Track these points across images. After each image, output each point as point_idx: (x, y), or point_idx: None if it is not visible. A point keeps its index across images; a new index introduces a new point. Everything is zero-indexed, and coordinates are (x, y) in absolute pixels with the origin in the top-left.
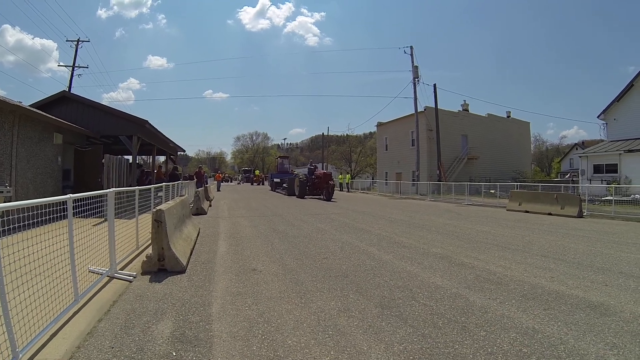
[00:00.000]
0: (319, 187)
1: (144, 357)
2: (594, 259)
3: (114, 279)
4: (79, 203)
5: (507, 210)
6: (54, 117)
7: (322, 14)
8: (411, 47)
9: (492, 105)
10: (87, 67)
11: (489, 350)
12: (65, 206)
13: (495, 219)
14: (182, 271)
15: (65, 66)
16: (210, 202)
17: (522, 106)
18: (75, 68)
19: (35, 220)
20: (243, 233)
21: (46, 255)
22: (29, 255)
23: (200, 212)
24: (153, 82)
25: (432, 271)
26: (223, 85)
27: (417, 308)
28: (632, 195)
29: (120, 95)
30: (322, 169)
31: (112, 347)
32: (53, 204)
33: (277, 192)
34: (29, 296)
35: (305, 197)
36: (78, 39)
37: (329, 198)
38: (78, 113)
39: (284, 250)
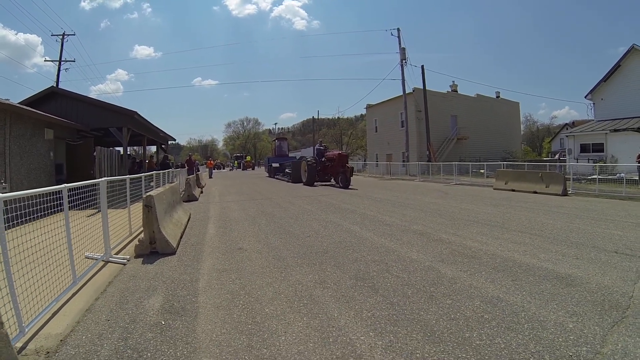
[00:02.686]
0: (331, 172)
1: (137, 327)
2: (570, 234)
3: (109, 263)
4: (73, 196)
5: (494, 189)
6: (44, 113)
7: None
8: (398, 30)
9: (482, 86)
10: (74, 61)
11: (452, 316)
12: (60, 200)
13: (480, 197)
14: (173, 253)
15: (52, 61)
16: (201, 189)
17: (512, 87)
18: (62, 62)
19: (33, 215)
20: (231, 216)
21: (45, 243)
22: (31, 245)
23: (191, 198)
24: (141, 72)
25: (409, 246)
26: (212, 73)
27: (389, 280)
28: (618, 174)
29: (109, 87)
30: (313, 153)
31: (108, 320)
32: (49, 198)
33: (277, 178)
34: (32, 280)
35: (315, 183)
36: (63, 33)
37: (346, 185)
38: (68, 107)
39: (269, 231)
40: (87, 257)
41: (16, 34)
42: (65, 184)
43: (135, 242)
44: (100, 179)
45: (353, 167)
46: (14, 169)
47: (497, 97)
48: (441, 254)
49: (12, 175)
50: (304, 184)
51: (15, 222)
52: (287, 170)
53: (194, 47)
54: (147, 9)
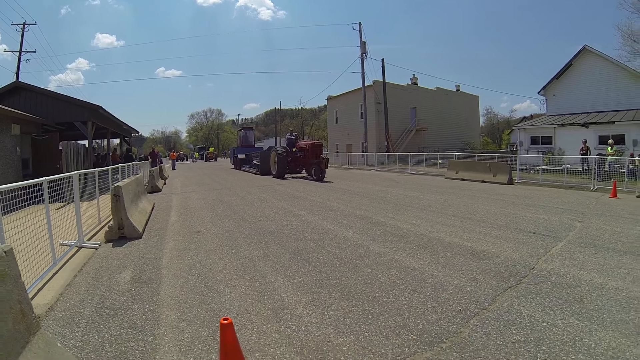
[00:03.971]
0: (303, 163)
1: (111, 294)
2: (499, 218)
3: (82, 248)
4: (37, 191)
5: (446, 178)
6: (10, 109)
7: None
8: (359, 24)
9: (444, 80)
10: (35, 52)
11: (369, 281)
12: (32, 194)
13: (429, 186)
14: (139, 237)
15: (12, 52)
16: (164, 180)
17: (475, 82)
18: (23, 53)
19: (10, 208)
20: (192, 205)
21: (24, 232)
22: (12, 235)
23: (155, 189)
24: (103, 61)
25: (347, 228)
26: (176, 63)
27: (323, 254)
28: (564, 165)
29: (70, 77)
30: (275, 143)
31: (87, 291)
32: (23, 192)
33: (243, 170)
34: (18, 262)
35: (286, 176)
36: (24, 22)
37: (320, 177)
38: (32, 102)
39: (225, 217)
40: (61, 244)
41: None
42: (46, 177)
43: (105, 228)
44: (73, 172)
45: (328, 158)
46: None
47: (457, 90)
48: (375, 234)
49: None
50: (274, 177)
51: None
52: (254, 161)
53: (157, 36)
54: None
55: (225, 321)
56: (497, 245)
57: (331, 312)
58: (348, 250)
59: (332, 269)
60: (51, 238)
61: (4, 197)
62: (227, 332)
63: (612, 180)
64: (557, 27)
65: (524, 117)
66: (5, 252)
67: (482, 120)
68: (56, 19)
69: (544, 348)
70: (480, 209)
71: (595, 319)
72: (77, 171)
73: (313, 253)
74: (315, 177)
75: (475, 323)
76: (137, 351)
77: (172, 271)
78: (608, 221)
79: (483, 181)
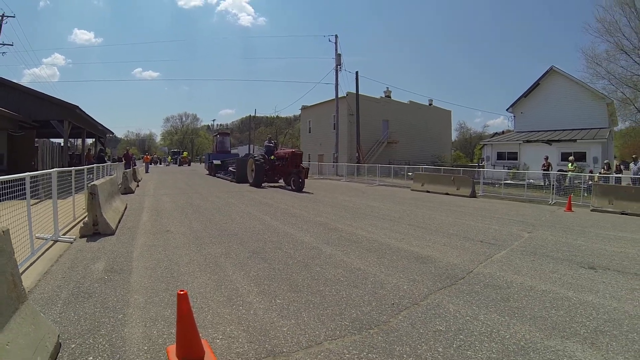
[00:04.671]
0: (282, 172)
1: (86, 280)
2: (452, 227)
3: (58, 242)
4: (17, 186)
5: (412, 190)
6: None
7: None
8: (336, 36)
9: (418, 95)
10: (12, 45)
11: (316, 278)
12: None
13: (393, 197)
14: (112, 233)
15: None
16: (138, 182)
17: (449, 97)
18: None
19: None
20: (163, 207)
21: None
22: None
23: (128, 191)
24: (79, 58)
25: (305, 233)
26: (153, 64)
27: (278, 254)
28: (527, 180)
29: (45, 72)
30: (250, 150)
31: (64, 277)
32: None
33: (218, 177)
34: None
35: (264, 185)
36: (2, 14)
37: (299, 187)
38: (8, 97)
39: (194, 218)
40: (37, 238)
41: None
42: (28, 173)
43: (80, 224)
44: (52, 170)
45: (308, 168)
46: None
47: (430, 104)
48: (330, 238)
49: None
50: (251, 185)
51: None
52: (230, 168)
53: (136, 36)
54: None
55: (182, 292)
56: (443, 252)
57: (278, 301)
58: (302, 252)
59: (285, 266)
60: (30, 231)
61: None
62: (182, 301)
63: (575, 195)
64: (529, 45)
65: (496, 133)
66: (2, 231)
67: (455, 134)
68: (34, 11)
69: (461, 337)
70: (436, 219)
71: (516, 315)
72: (56, 169)
73: (270, 252)
74: (294, 187)
75: (404, 315)
76: (108, 325)
77: (142, 263)
78: (555, 232)
79: (447, 194)
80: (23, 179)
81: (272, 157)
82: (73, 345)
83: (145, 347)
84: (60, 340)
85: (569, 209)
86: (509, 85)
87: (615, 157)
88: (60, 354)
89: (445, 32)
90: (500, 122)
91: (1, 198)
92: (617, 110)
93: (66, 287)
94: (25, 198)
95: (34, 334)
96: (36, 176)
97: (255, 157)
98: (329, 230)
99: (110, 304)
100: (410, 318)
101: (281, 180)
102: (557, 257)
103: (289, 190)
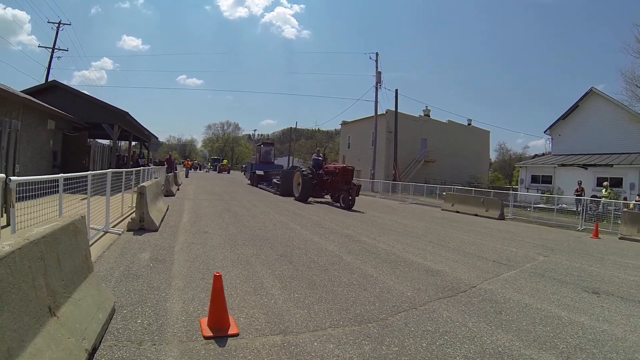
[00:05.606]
0: (330, 188)
1: (134, 266)
2: (469, 247)
3: (108, 233)
4: (68, 181)
5: (442, 209)
6: (49, 106)
7: (302, 6)
8: (377, 54)
9: (456, 115)
10: (67, 50)
11: (333, 280)
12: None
13: (422, 215)
14: (156, 230)
15: (45, 47)
16: (178, 186)
17: (490, 119)
18: (55, 50)
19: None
20: (203, 211)
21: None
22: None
23: (169, 194)
24: (127, 63)
25: (331, 242)
26: (197, 71)
27: (303, 259)
28: (560, 205)
29: (93, 75)
30: (289, 162)
31: (115, 262)
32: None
33: (260, 188)
34: None
35: (310, 200)
36: (59, 22)
37: (349, 205)
38: (66, 101)
39: (230, 223)
40: (91, 228)
41: (4, 8)
42: (110, 169)
43: (128, 219)
44: (107, 170)
45: (360, 185)
46: (22, 154)
47: (469, 124)
48: (352, 249)
49: (20, 158)
50: (296, 199)
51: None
52: (274, 180)
53: (181, 44)
54: (138, 0)
55: (217, 274)
56: (453, 267)
57: (296, 295)
58: (325, 258)
59: (307, 269)
60: (88, 222)
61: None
62: (217, 281)
63: (603, 221)
64: (572, 66)
65: (536, 155)
66: (81, 216)
67: (494, 155)
68: (85, 17)
69: (446, 337)
70: (457, 238)
71: (503, 326)
72: (110, 170)
73: (296, 257)
74: (343, 205)
75: (401, 315)
76: (153, 300)
77: (182, 256)
78: (572, 258)
79: (476, 215)
80: (86, 176)
81: (321, 171)
82: (125, 311)
83: (183, 318)
84: (115, 306)
85: (596, 235)
86: (551, 107)
87: None
88: (114, 317)
89: (487, 52)
90: (542, 144)
91: (65, 191)
92: None
93: (117, 269)
94: (75, 193)
95: (97, 297)
96: (97, 175)
97: (302, 170)
98: (352, 241)
99: (155, 285)
100: (406, 318)
101: (327, 196)
102: (564, 281)
103: (337, 207)
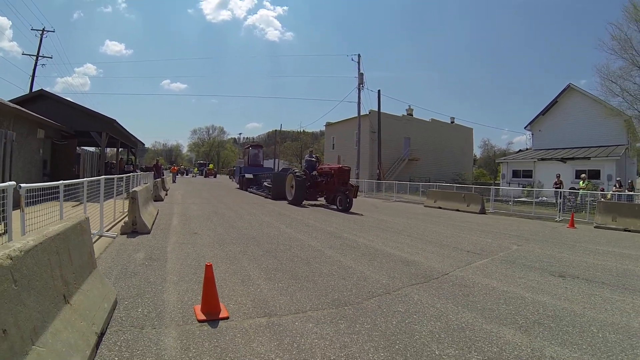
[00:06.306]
0: (326, 190)
1: (130, 265)
2: (446, 239)
3: (102, 237)
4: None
5: (425, 206)
6: (39, 116)
7: (285, 7)
8: (359, 56)
9: (440, 114)
10: (52, 57)
11: (313, 271)
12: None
13: (405, 212)
14: (148, 232)
15: (29, 55)
16: (166, 191)
17: (473, 116)
18: (39, 58)
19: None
20: (191, 214)
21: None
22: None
23: (158, 199)
24: (111, 68)
25: (313, 239)
26: (181, 76)
27: (287, 253)
28: (540, 198)
29: (77, 81)
30: (275, 165)
31: (112, 261)
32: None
33: (250, 192)
34: None
35: (304, 203)
36: (43, 29)
37: (346, 208)
38: (53, 109)
39: (218, 224)
40: None
41: None
42: (103, 176)
43: (121, 223)
44: (100, 177)
45: (358, 186)
46: (14, 162)
47: (452, 122)
48: (334, 244)
49: (12, 168)
50: (289, 203)
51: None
52: (265, 183)
53: (164, 48)
54: (121, 4)
55: (208, 264)
56: (428, 258)
57: (280, 284)
58: (307, 253)
59: (291, 262)
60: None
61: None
62: (208, 270)
63: (582, 212)
64: (552, 63)
65: (520, 150)
66: (85, 218)
67: (479, 152)
68: (68, 23)
69: (414, 316)
70: (436, 232)
71: (468, 306)
72: (103, 176)
73: (280, 252)
74: (340, 207)
75: (375, 300)
76: (151, 293)
77: (175, 255)
78: (545, 246)
79: (458, 210)
80: (82, 183)
81: (314, 172)
82: (126, 303)
83: (179, 306)
84: (117, 298)
85: (572, 225)
86: (534, 103)
87: (638, 175)
88: (117, 307)
89: (469, 51)
90: (526, 139)
91: (57, 198)
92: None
93: (115, 268)
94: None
95: (101, 289)
96: (92, 181)
97: (296, 172)
98: (334, 237)
99: (151, 280)
100: (379, 302)
101: (321, 199)
102: (533, 267)
103: (334, 210)
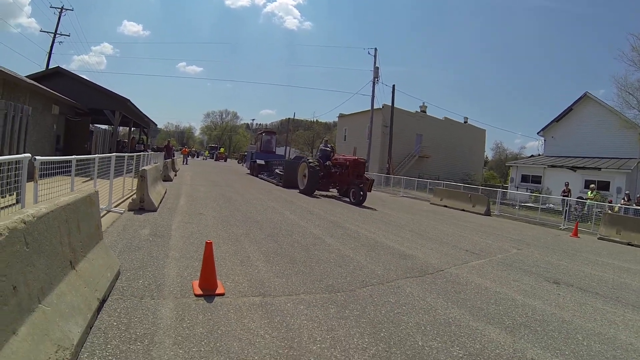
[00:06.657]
0: (339, 181)
1: (135, 239)
2: (447, 238)
3: (110, 212)
4: (68, 165)
5: (431, 203)
6: (54, 92)
7: None
8: (375, 49)
9: (454, 113)
10: (69, 35)
11: (312, 257)
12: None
13: (410, 207)
14: (155, 210)
15: (47, 32)
16: (175, 172)
17: (487, 118)
18: (57, 35)
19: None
20: (199, 195)
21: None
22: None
23: (167, 179)
24: (127, 48)
25: (315, 226)
26: (197, 60)
27: (288, 238)
28: (548, 205)
29: (93, 60)
30: (286, 153)
31: (118, 236)
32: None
33: (261, 178)
34: None
35: (316, 193)
36: (62, 7)
37: (359, 201)
38: (69, 86)
39: (224, 206)
40: None
41: None
42: (114, 153)
43: (129, 200)
44: (111, 154)
45: (373, 180)
46: (29, 137)
47: (465, 122)
48: (335, 233)
49: (27, 141)
50: (300, 192)
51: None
52: (277, 170)
53: (182, 31)
54: None
55: (208, 242)
56: (427, 254)
57: (277, 267)
58: (307, 239)
59: (290, 247)
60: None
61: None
62: (208, 247)
63: (588, 222)
64: (569, 71)
65: (532, 155)
66: (95, 191)
67: (491, 154)
68: (87, 1)
69: (404, 307)
70: (438, 229)
71: (458, 303)
72: (114, 154)
73: (281, 236)
74: (353, 200)
75: (368, 288)
76: (152, 266)
77: (179, 233)
78: (545, 252)
79: (463, 210)
80: (93, 159)
81: (328, 163)
82: (128, 274)
83: (178, 280)
84: (120, 270)
85: (575, 234)
86: (548, 109)
87: None
88: (120, 278)
89: (486, 53)
90: (538, 145)
91: (68, 172)
92: None
93: (121, 241)
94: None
95: (106, 259)
96: (103, 158)
97: (309, 161)
98: (336, 227)
99: (154, 255)
100: (372, 291)
101: (333, 190)
102: (529, 271)
103: (347, 202)
